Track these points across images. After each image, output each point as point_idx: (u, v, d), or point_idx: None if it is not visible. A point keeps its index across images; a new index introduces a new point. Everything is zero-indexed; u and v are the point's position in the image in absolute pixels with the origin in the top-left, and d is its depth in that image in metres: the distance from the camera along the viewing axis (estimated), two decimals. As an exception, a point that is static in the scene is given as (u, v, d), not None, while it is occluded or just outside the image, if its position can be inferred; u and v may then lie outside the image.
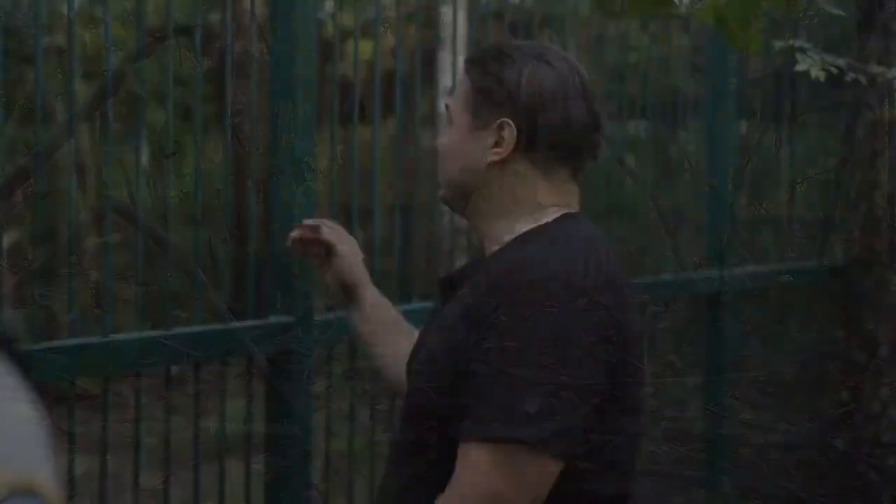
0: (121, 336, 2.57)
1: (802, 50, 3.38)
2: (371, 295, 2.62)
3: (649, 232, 4.49)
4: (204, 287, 2.74)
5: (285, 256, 2.88)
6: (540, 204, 2.25)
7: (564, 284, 2.09)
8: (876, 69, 3.49)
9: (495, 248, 2.25)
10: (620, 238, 4.31)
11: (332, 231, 2.62)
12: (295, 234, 2.60)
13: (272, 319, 2.86)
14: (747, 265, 4.87)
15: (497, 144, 2.22)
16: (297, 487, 2.90)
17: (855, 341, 5.08)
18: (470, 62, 2.30)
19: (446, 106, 2.30)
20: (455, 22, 3.55)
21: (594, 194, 4.16)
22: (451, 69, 3.56)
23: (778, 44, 3.38)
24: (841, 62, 3.38)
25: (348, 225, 3.15)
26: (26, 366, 0.86)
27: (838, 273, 5.20)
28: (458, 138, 2.26)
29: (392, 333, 2.60)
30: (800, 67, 3.36)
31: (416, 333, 2.54)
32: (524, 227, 2.23)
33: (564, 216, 2.25)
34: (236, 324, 2.78)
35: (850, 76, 3.47)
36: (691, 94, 4.64)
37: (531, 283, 2.08)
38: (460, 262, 5.95)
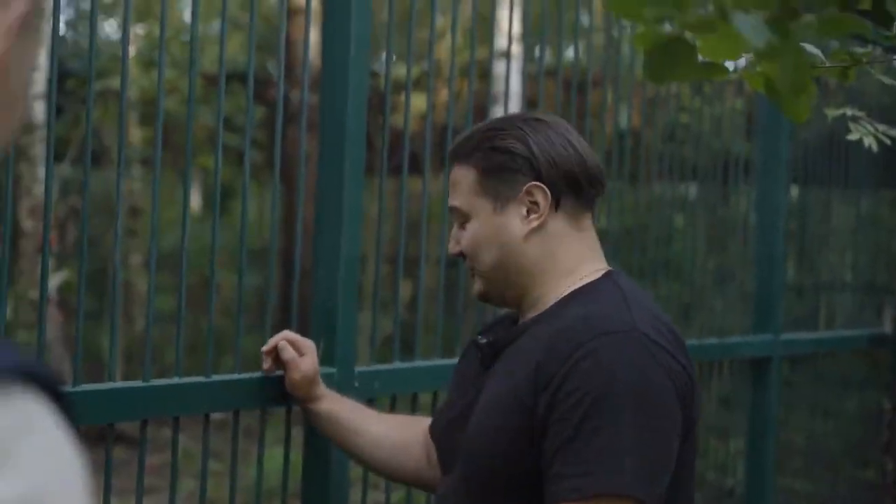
0: (161, 381, 2.57)
1: (855, 119, 3.36)
2: (328, 397, 2.63)
3: (697, 294, 4.46)
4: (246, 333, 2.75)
5: (328, 305, 2.88)
6: (580, 261, 2.26)
7: (643, 336, 2.10)
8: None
9: (538, 311, 2.25)
10: (668, 298, 4.29)
11: (286, 347, 2.61)
12: (266, 348, 2.63)
13: (312, 368, 2.86)
14: (797, 331, 4.84)
15: (531, 211, 2.23)
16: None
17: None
18: (459, 154, 2.29)
19: (452, 210, 2.30)
20: (508, 77, 3.56)
21: (644, 254, 4.15)
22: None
23: (831, 112, 3.36)
24: (895, 132, 3.36)
25: (394, 274, 3.15)
26: (69, 409, 0.86)
27: (886, 341, 5.15)
28: (486, 227, 2.25)
29: (360, 422, 2.59)
30: (852, 136, 3.34)
31: (378, 415, 2.60)
32: (567, 285, 2.24)
33: (608, 273, 2.26)
34: (278, 372, 2.78)
35: (903, 145, 3.44)
36: (743, 157, 4.62)
37: (611, 335, 2.09)
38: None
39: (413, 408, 3.14)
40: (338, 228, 2.89)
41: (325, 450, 2.87)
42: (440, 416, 2.40)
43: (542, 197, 2.23)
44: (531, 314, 2.26)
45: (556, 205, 2.24)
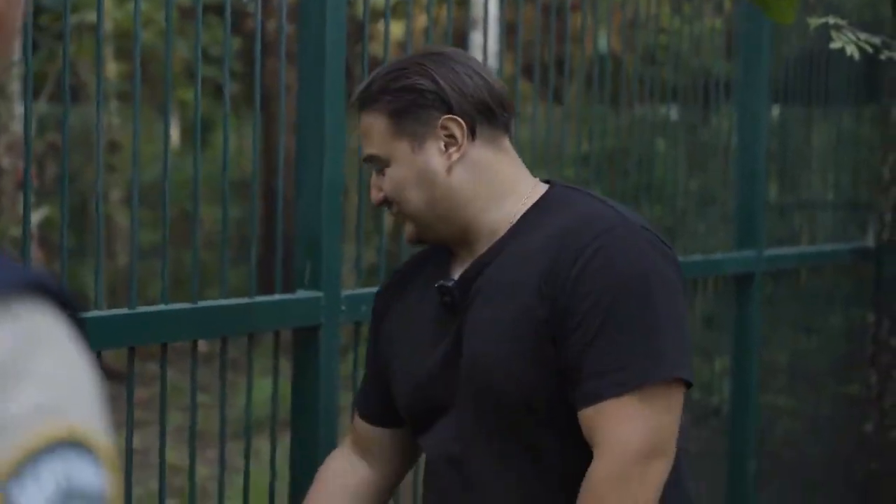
0: (148, 308, 2.58)
1: (838, 27, 3.35)
2: None
3: (680, 214, 4.47)
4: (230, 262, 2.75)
5: (313, 231, 2.89)
6: (514, 181, 2.26)
7: (640, 228, 2.15)
8: (911, 49, 3.46)
9: (495, 237, 2.24)
10: (652, 219, 4.29)
11: None
12: None
13: (300, 294, 2.87)
14: (779, 247, 4.85)
15: (449, 145, 2.22)
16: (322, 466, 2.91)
17: (885, 323, 5.06)
18: (365, 101, 2.26)
19: (369, 158, 2.27)
20: (487, 3, 3.54)
21: (625, 177, 4.15)
22: (483, 50, 3.55)
23: (813, 21, 3.35)
24: (876, 40, 3.36)
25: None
26: (80, 321, 0.87)
27: (869, 255, 5.18)
28: (407, 168, 2.23)
29: None
30: (835, 45, 3.33)
31: None
32: (517, 207, 2.24)
33: (553, 184, 2.28)
34: (263, 298, 2.79)
35: (885, 55, 3.44)
36: (723, 77, 4.62)
37: (612, 230, 2.11)
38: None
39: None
40: (319, 156, 2.89)
41: (313, 377, 2.88)
42: (404, 376, 2.34)
43: (458, 128, 2.22)
44: (486, 242, 2.25)
45: (472, 134, 2.23)
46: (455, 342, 2.23)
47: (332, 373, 2.92)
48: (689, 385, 2.13)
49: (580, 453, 2.12)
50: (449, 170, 2.22)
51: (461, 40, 3.88)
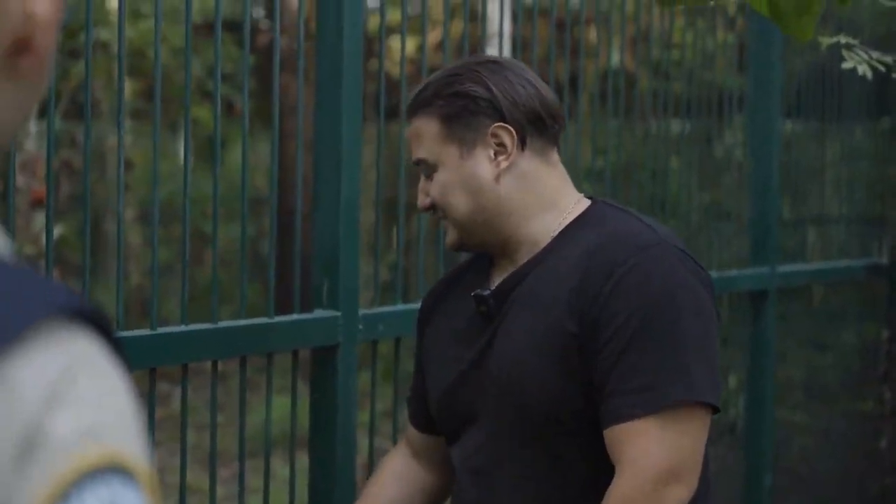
0: (169, 329, 2.58)
1: (849, 47, 3.36)
2: None
3: (693, 229, 4.47)
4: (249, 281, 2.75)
5: (330, 250, 2.89)
6: (557, 194, 2.26)
7: (675, 248, 2.14)
8: (924, 67, 3.46)
9: (535, 250, 2.24)
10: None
11: None
12: None
13: (317, 313, 2.87)
14: (793, 263, 4.85)
15: (498, 153, 2.22)
16: (340, 484, 2.91)
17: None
18: (418, 106, 2.27)
19: (418, 163, 2.28)
20: (502, 19, 3.55)
21: (638, 191, 4.15)
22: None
23: (825, 40, 3.36)
24: (889, 59, 3.36)
25: (395, 219, 3.15)
26: (120, 347, 0.88)
27: (882, 271, 5.17)
28: (455, 174, 2.23)
29: None
30: (846, 65, 3.34)
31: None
32: (556, 219, 2.24)
33: (596, 201, 2.28)
34: (282, 318, 2.79)
35: (897, 74, 3.45)
36: (735, 92, 4.62)
37: (647, 249, 2.11)
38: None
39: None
40: (336, 173, 2.90)
41: (331, 396, 2.89)
42: (435, 383, 2.35)
43: (508, 137, 2.22)
44: (525, 254, 2.25)
45: (522, 144, 2.23)
46: (485, 350, 2.24)
47: (350, 391, 2.92)
48: (716, 410, 2.13)
49: (603, 466, 2.12)
50: (497, 178, 2.22)
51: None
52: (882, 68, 3.40)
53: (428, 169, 2.27)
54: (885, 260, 5.18)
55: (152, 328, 2.53)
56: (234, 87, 9.45)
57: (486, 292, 2.25)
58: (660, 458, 2.05)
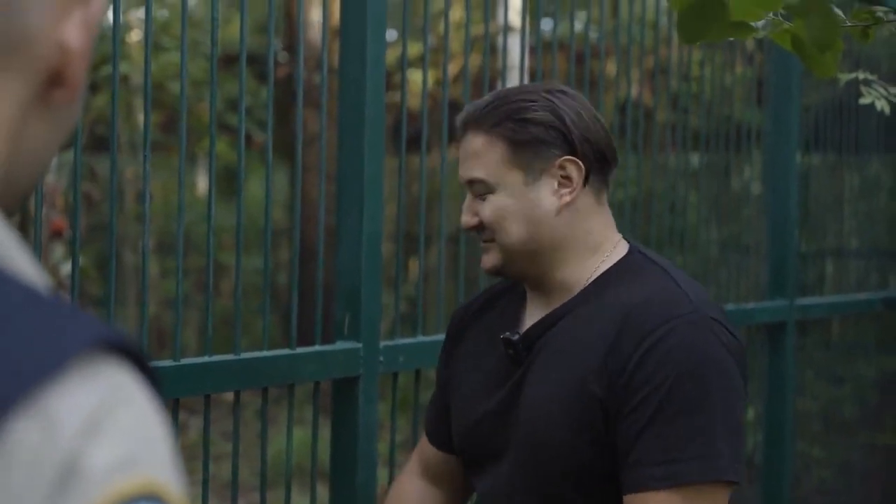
0: (192, 360, 2.60)
1: (868, 83, 3.38)
2: None
3: (711, 262, 4.48)
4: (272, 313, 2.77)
5: (352, 282, 2.91)
6: (602, 237, 2.22)
7: (706, 318, 2.09)
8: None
9: (568, 295, 2.20)
10: (681, 268, 4.30)
11: None
12: None
13: (339, 345, 2.89)
14: (811, 296, 4.86)
15: (563, 186, 2.18)
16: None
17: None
18: (481, 122, 2.20)
19: (473, 182, 2.21)
20: (524, 51, 3.57)
21: (656, 223, 4.17)
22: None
23: (843, 76, 3.37)
24: (908, 95, 3.38)
25: (415, 250, 3.17)
26: (155, 379, 0.89)
27: (901, 305, 5.17)
28: (516, 200, 2.18)
29: None
30: (864, 100, 3.36)
31: None
32: (594, 264, 2.20)
33: (631, 249, 2.24)
34: (304, 349, 2.81)
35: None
36: (753, 125, 4.64)
37: (678, 319, 2.07)
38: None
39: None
40: (359, 207, 2.92)
41: (352, 427, 2.90)
42: (459, 417, 2.32)
43: (576, 171, 2.18)
44: (559, 296, 2.21)
45: (585, 180, 2.19)
46: (512, 395, 2.20)
47: (371, 423, 2.93)
48: (736, 484, 2.09)
49: None
50: (558, 211, 2.18)
51: (491, 89, 3.90)
52: (901, 103, 3.41)
53: (482, 189, 2.21)
54: (902, 293, 5.18)
55: (175, 359, 2.54)
56: (252, 120, 9.50)
57: (515, 337, 2.21)
58: None
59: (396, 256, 3.13)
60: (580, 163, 2.18)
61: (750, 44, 4.72)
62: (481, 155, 2.21)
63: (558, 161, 2.18)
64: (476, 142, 2.21)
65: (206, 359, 2.61)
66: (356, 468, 2.91)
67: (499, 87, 3.93)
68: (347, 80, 2.94)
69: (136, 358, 0.88)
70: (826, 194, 5.09)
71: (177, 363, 2.53)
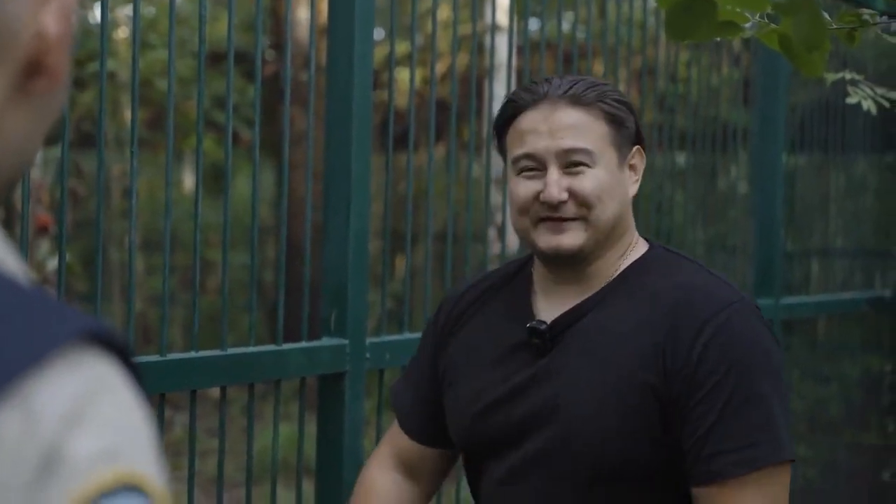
0: (178, 355, 2.60)
1: (854, 83, 3.39)
2: None
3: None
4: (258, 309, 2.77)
5: (339, 280, 2.91)
6: (626, 231, 2.22)
7: (752, 305, 2.14)
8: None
9: (594, 287, 2.18)
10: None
11: None
12: None
13: (325, 341, 2.89)
14: (797, 295, 4.87)
15: (633, 172, 2.20)
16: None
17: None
18: (578, 98, 2.15)
19: (578, 150, 2.14)
20: (511, 50, 3.58)
21: (644, 223, 4.18)
22: (502, 100, 3.59)
23: (830, 76, 3.39)
24: (894, 94, 3.39)
25: (402, 248, 3.17)
26: (136, 370, 0.90)
27: (885, 304, 5.19)
28: (613, 179, 2.16)
29: None
30: (851, 100, 3.37)
31: None
32: (620, 260, 2.20)
33: (652, 245, 2.24)
34: (291, 345, 2.82)
35: (901, 109, 3.48)
36: (739, 126, 4.65)
37: (732, 306, 2.09)
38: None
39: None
40: (346, 204, 2.92)
41: (338, 423, 2.90)
42: (465, 403, 2.26)
43: (640, 161, 2.21)
44: (584, 288, 2.19)
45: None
46: (538, 383, 2.16)
47: (357, 419, 2.94)
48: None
49: None
50: (632, 198, 2.20)
51: (479, 89, 3.91)
52: (886, 104, 3.43)
53: (584, 159, 2.14)
54: (888, 293, 5.19)
55: (161, 354, 2.55)
56: (239, 118, 9.49)
57: (543, 326, 2.17)
58: None
59: (383, 254, 3.13)
60: (643, 153, 2.22)
61: (737, 44, 4.73)
62: (581, 128, 2.15)
63: (634, 148, 2.20)
64: (574, 115, 2.16)
65: (192, 354, 2.61)
66: (342, 464, 2.91)
67: (486, 87, 3.94)
68: (335, 78, 2.94)
69: (120, 350, 0.88)
70: (812, 194, 5.11)
71: (163, 358, 2.54)
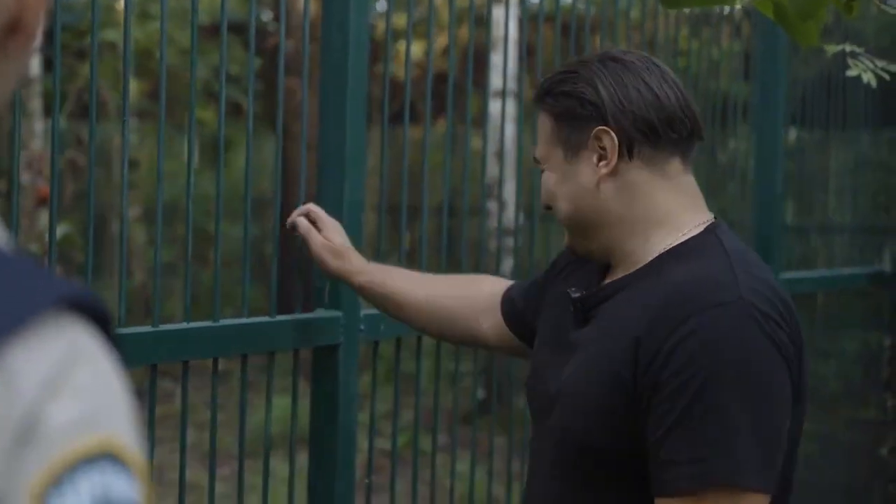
0: (170, 326, 2.60)
1: (854, 55, 3.37)
2: (366, 271, 2.64)
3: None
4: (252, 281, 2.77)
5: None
6: (670, 211, 2.13)
7: (750, 307, 1.98)
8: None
9: (632, 268, 2.13)
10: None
11: (301, 221, 2.69)
12: (292, 223, 2.70)
13: (319, 313, 2.88)
14: (797, 270, 4.86)
15: (601, 158, 2.12)
16: (340, 483, 2.92)
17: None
18: (537, 100, 2.20)
19: (536, 159, 2.22)
20: (508, 24, 3.56)
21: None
22: (503, 72, 3.57)
23: (830, 48, 3.37)
24: (894, 67, 3.37)
25: (398, 224, 3.17)
26: (115, 337, 0.89)
27: (885, 279, 5.18)
28: (559, 175, 2.16)
29: (390, 273, 2.64)
30: (851, 72, 3.35)
31: (424, 280, 2.63)
32: (664, 242, 2.12)
33: (711, 226, 2.14)
34: (284, 317, 2.81)
35: (902, 81, 3.46)
36: (741, 100, 4.64)
37: (716, 308, 1.97)
38: (507, 264, 5.93)
39: (417, 351, 3.15)
40: (340, 176, 2.91)
41: (332, 396, 2.90)
42: (536, 365, 2.28)
43: (610, 142, 2.11)
44: (626, 268, 2.14)
45: (629, 153, 2.11)
46: (564, 358, 2.16)
47: (351, 392, 2.93)
48: (767, 493, 1.98)
49: (627, 498, 2.08)
50: (598, 185, 2.13)
51: (480, 61, 3.89)
52: (887, 77, 3.41)
53: (541, 167, 2.20)
54: (888, 268, 5.18)
55: (154, 325, 2.54)
56: (239, 89, 9.47)
57: (576, 295, 2.17)
58: None
59: (379, 228, 3.12)
60: (613, 134, 2.11)
61: (738, 16, 4.71)
62: (538, 132, 2.21)
63: (593, 132, 2.12)
64: (538, 119, 2.22)
65: (184, 325, 2.60)
66: (336, 437, 2.91)
67: (488, 60, 3.92)
68: (329, 49, 2.93)
69: (100, 319, 0.88)
70: (813, 169, 5.09)
71: (155, 329, 2.53)
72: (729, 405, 1.93)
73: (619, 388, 2.02)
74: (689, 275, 2.03)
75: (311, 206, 2.72)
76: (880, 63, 3.40)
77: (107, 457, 0.84)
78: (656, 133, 2.12)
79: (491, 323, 2.52)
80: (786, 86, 4.63)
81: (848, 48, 3.39)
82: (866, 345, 5.32)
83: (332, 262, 2.65)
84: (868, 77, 3.35)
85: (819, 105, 4.96)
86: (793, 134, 4.91)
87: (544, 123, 2.18)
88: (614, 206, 2.13)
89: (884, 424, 5.14)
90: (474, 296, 2.56)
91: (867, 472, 5.20)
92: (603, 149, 2.12)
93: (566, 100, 2.14)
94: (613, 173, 2.12)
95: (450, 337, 2.64)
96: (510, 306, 2.49)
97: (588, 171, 2.13)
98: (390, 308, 2.63)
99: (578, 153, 2.14)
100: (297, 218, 2.70)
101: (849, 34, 4.66)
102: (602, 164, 2.12)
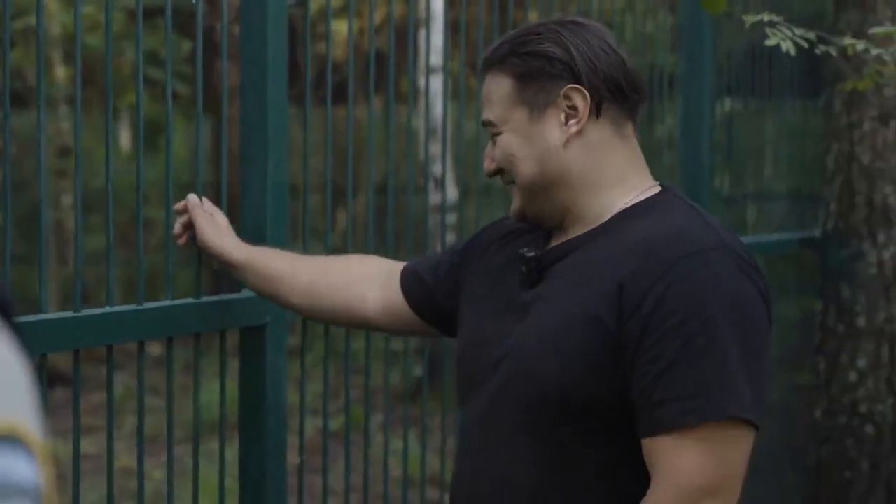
0: (92, 310, 2.58)
1: (773, 24, 3.40)
2: (243, 248, 2.63)
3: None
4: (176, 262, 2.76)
5: (259, 231, 2.89)
6: (626, 172, 2.15)
7: (733, 253, 2.03)
8: (846, 41, 3.50)
9: (591, 225, 2.14)
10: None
11: (194, 207, 2.66)
12: (178, 229, 2.68)
13: (245, 293, 2.88)
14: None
15: (570, 117, 2.12)
16: (271, 465, 2.92)
17: (831, 311, 5.11)
18: (491, 63, 2.18)
19: (486, 123, 2.19)
20: (430, 1, 3.56)
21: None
22: (426, 49, 3.57)
23: (749, 18, 3.39)
24: (812, 35, 3.40)
25: (327, 204, 3.16)
26: (17, 326, 0.89)
27: (815, 244, 5.23)
28: (521, 136, 2.14)
29: (272, 254, 2.64)
30: (770, 42, 3.38)
31: (302, 260, 2.61)
32: (620, 201, 2.14)
33: (665, 189, 2.18)
34: (209, 298, 2.80)
35: (820, 49, 3.49)
36: (669, 72, 4.66)
37: (704, 253, 2.00)
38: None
39: (346, 334, 3.14)
40: (263, 155, 2.91)
41: (261, 377, 2.89)
42: (465, 331, 2.27)
43: (581, 100, 2.11)
44: (581, 228, 2.15)
45: (597, 111, 2.13)
46: (517, 320, 2.14)
47: (280, 372, 2.93)
48: (756, 430, 2.03)
49: (612, 464, 2.07)
50: (565, 143, 2.12)
51: (406, 38, 3.89)
52: (805, 44, 3.43)
53: (494, 130, 2.18)
54: (817, 233, 5.23)
55: (76, 310, 2.53)
56: (173, 74, 9.35)
57: (531, 254, 2.16)
58: (700, 472, 1.98)
59: (304, 206, 3.12)
60: (585, 92, 2.12)
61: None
62: (490, 96, 2.19)
63: (563, 91, 2.12)
64: (487, 83, 2.20)
65: (107, 309, 2.59)
66: (266, 418, 2.90)
67: (421, 37, 3.93)
68: (248, 28, 2.92)
69: (1, 306, 0.88)
70: (746, 139, 5.12)
71: (77, 314, 2.51)
72: (725, 343, 1.97)
73: (598, 333, 2.03)
74: (666, 227, 2.06)
75: (191, 197, 2.68)
76: (798, 31, 3.42)
77: (6, 440, 0.84)
78: (623, 93, 2.15)
79: (376, 298, 2.50)
80: (711, 57, 4.66)
81: (766, 17, 3.42)
82: (799, 310, 5.37)
83: (215, 239, 2.62)
84: (787, 45, 3.37)
85: (748, 75, 4.99)
86: (724, 104, 4.94)
87: (501, 85, 2.16)
88: (576, 166, 2.14)
89: (816, 388, 5.19)
90: (357, 273, 2.55)
91: (802, 435, 5.25)
92: (571, 108, 2.13)
93: (534, 60, 2.13)
94: (580, 132, 2.13)
95: (333, 318, 2.61)
96: (415, 280, 2.46)
97: (555, 130, 2.14)
98: (271, 290, 2.60)
99: (545, 112, 2.14)
100: (178, 211, 2.69)
101: (773, 5, 4.70)
102: (572, 122, 2.13)
